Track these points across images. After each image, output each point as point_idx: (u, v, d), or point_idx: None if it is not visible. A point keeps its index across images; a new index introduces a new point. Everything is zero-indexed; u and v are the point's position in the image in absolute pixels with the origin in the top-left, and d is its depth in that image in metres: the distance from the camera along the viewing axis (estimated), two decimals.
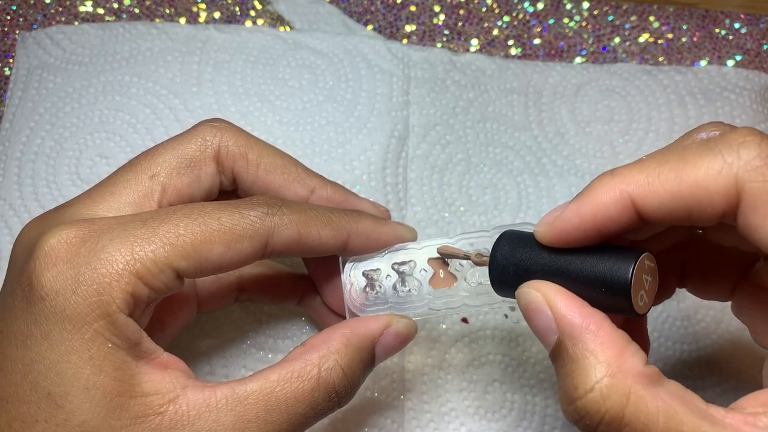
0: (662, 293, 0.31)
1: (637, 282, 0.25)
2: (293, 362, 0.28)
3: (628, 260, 0.25)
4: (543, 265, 0.26)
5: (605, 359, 0.24)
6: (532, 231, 0.27)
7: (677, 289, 0.32)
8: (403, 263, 0.32)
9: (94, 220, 0.27)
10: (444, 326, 0.40)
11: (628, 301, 0.25)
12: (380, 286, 0.32)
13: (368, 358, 0.30)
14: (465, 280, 0.31)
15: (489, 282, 0.30)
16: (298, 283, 0.36)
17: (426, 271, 0.32)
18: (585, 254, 0.26)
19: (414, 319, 0.32)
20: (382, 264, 0.32)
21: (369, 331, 0.30)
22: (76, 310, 0.24)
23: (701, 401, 0.23)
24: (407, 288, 0.32)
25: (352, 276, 0.32)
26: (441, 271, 0.32)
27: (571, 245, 0.26)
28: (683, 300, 0.41)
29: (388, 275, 0.32)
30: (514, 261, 0.27)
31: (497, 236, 0.28)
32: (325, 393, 0.28)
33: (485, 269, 0.30)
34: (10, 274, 0.27)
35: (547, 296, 0.25)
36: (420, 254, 0.32)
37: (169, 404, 0.25)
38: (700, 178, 0.23)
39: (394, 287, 0.32)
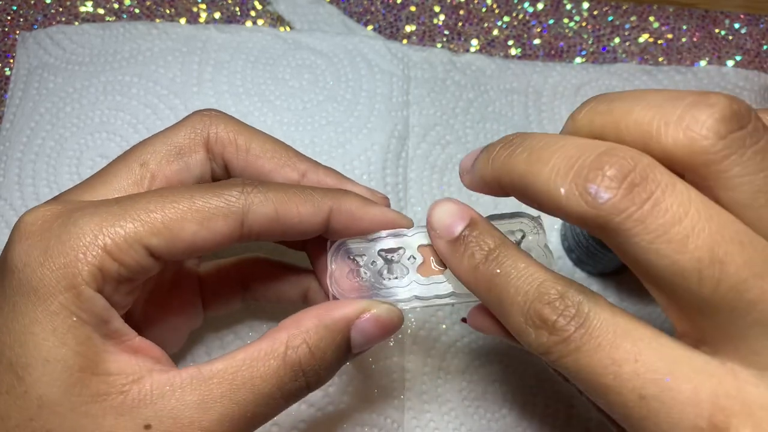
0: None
1: None
2: (262, 341, 0.27)
3: None
4: None
5: None
6: (523, 223, 0.30)
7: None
8: (391, 250, 0.31)
9: (73, 201, 0.27)
10: (444, 326, 0.40)
11: None
12: (366, 272, 0.30)
13: (341, 341, 0.29)
14: None
15: None
16: (301, 277, 0.36)
17: (415, 258, 0.30)
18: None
19: (400, 306, 0.30)
20: (369, 249, 0.31)
21: (343, 313, 0.29)
22: (42, 282, 0.24)
23: None
24: (393, 276, 0.30)
25: (338, 259, 0.31)
26: (431, 258, 0.31)
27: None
28: None
29: (374, 261, 0.30)
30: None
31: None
32: (292, 372, 0.27)
33: None
34: None
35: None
36: (411, 240, 0.31)
37: (132, 384, 0.25)
38: None
39: (380, 274, 0.30)
